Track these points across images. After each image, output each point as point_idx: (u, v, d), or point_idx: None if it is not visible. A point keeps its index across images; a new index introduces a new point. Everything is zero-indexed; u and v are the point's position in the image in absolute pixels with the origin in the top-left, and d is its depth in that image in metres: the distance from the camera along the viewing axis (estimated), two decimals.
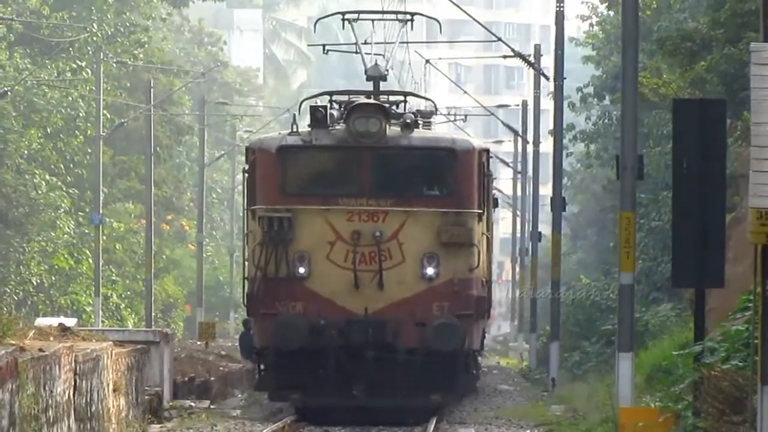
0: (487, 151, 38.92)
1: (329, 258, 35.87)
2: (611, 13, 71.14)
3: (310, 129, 36.61)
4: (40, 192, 75.87)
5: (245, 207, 38.40)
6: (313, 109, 36.56)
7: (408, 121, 36.68)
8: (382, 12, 42.46)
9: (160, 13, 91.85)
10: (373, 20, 41.23)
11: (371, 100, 37.33)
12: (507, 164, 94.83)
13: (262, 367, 37.23)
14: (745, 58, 39.62)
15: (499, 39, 60.73)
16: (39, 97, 76.90)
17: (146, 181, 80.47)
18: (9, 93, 70.03)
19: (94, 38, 79.94)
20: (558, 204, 56.43)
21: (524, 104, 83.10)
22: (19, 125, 75.15)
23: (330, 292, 35.89)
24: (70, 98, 78.75)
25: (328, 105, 37.22)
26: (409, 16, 40.28)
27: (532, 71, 68.37)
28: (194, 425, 35.70)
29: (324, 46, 44.22)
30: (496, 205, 48.93)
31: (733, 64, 41.83)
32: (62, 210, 77.96)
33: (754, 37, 24.33)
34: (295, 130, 36.67)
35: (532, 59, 62.59)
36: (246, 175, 37.67)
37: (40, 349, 30.13)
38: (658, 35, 54.56)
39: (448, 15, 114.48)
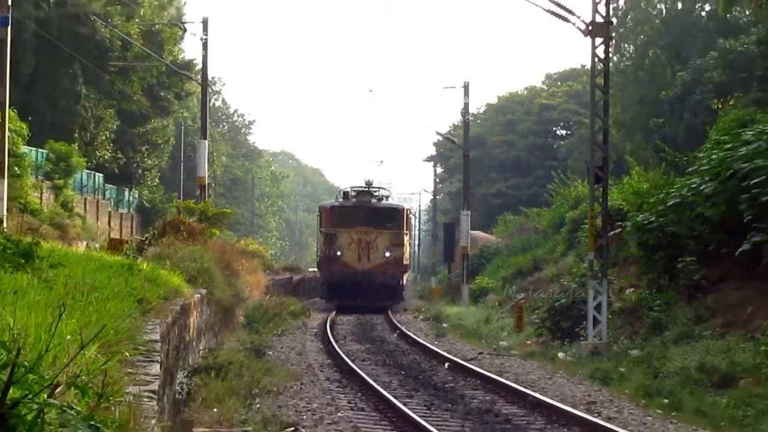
0: (410, 209, 39.34)
1: (349, 248, 35.89)
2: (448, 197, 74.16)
3: (343, 199, 37.86)
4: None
5: (318, 229, 39.30)
6: (343, 192, 38.39)
7: (380, 197, 37.60)
8: (368, 187, 39.54)
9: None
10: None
11: (366, 189, 38.28)
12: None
13: (323, 289, 37.87)
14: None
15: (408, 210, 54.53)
16: None
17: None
18: None
19: None
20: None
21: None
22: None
23: (349, 261, 35.78)
24: None
25: (349, 190, 37.89)
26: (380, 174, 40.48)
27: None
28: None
29: None
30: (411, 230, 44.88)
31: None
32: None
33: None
34: (337, 200, 38.27)
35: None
36: (318, 217, 38.55)
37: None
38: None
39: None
